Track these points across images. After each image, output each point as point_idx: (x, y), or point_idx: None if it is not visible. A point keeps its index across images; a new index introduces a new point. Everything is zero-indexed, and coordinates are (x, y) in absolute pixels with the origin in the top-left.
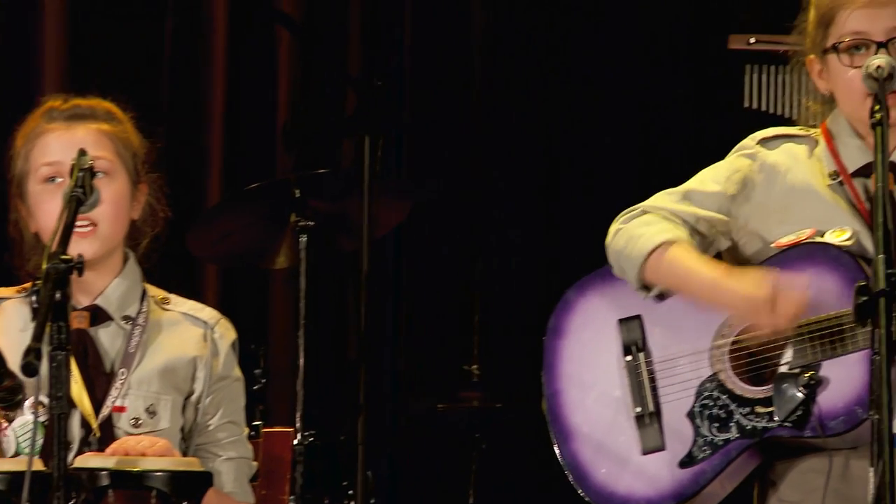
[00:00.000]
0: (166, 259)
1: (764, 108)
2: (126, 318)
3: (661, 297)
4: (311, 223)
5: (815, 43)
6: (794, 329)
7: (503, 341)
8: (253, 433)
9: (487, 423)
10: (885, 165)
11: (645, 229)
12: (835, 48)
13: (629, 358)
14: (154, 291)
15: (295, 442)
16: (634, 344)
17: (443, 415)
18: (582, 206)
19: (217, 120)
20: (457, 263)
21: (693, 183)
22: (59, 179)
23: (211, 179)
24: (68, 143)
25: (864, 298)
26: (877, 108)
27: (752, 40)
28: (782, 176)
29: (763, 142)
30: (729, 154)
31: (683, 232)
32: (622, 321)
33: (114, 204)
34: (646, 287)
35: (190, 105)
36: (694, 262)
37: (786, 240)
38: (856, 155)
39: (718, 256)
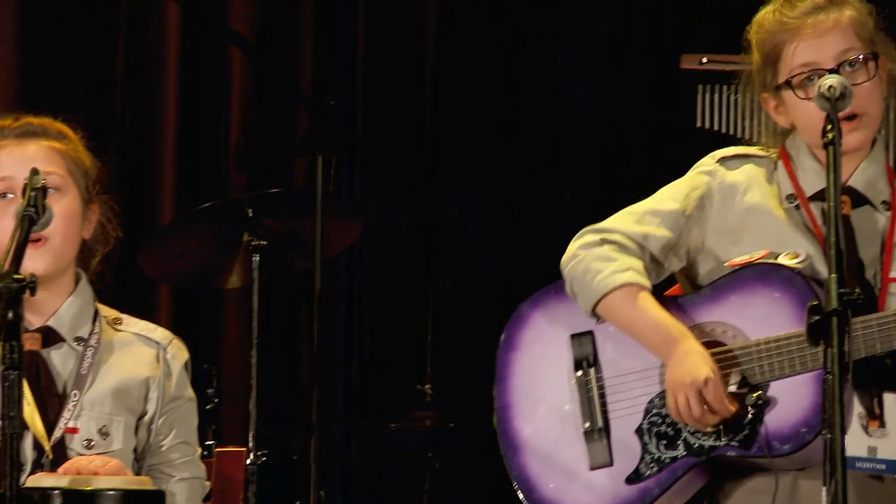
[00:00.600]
0: (119, 279)
1: (716, 127)
2: (78, 340)
3: None
4: (264, 242)
5: (766, 83)
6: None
7: (456, 361)
8: (206, 453)
9: (440, 443)
10: (837, 185)
11: (604, 265)
12: (788, 84)
13: (580, 373)
14: (106, 312)
15: (248, 462)
16: (586, 359)
17: (396, 434)
18: (537, 225)
19: (170, 139)
20: (410, 283)
21: (652, 202)
22: (11, 195)
23: (164, 199)
24: (19, 159)
25: (817, 318)
26: (829, 127)
27: (704, 60)
28: (740, 196)
29: (723, 161)
30: (689, 171)
31: (639, 264)
32: (574, 336)
33: (65, 219)
34: (597, 315)
35: (142, 124)
36: (647, 312)
37: (739, 260)
38: (813, 178)
39: (673, 276)
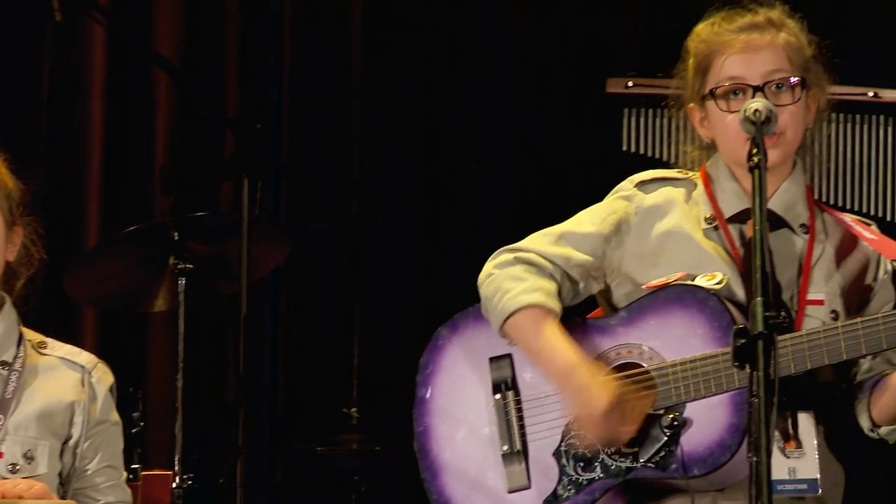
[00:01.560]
0: (44, 302)
1: (642, 151)
2: (3, 364)
3: None
4: (190, 266)
5: (695, 91)
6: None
7: (382, 384)
8: (131, 476)
9: (366, 466)
10: (763, 208)
11: (514, 284)
12: (712, 93)
13: (498, 396)
14: (31, 335)
15: (173, 485)
16: (504, 382)
17: (322, 457)
18: (462, 248)
19: (95, 162)
20: (336, 306)
21: (569, 224)
22: None
23: (89, 222)
24: None
25: (743, 341)
26: (754, 151)
27: (630, 84)
28: (658, 219)
29: (641, 185)
30: (607, 196)
31: (552, 286)
32: (493, 359)
33: None
34: (507, 336)
35: (68, 147)
36: (549, 339)
37: (656, 282)
38: (732, 200)
39: (592, 298)
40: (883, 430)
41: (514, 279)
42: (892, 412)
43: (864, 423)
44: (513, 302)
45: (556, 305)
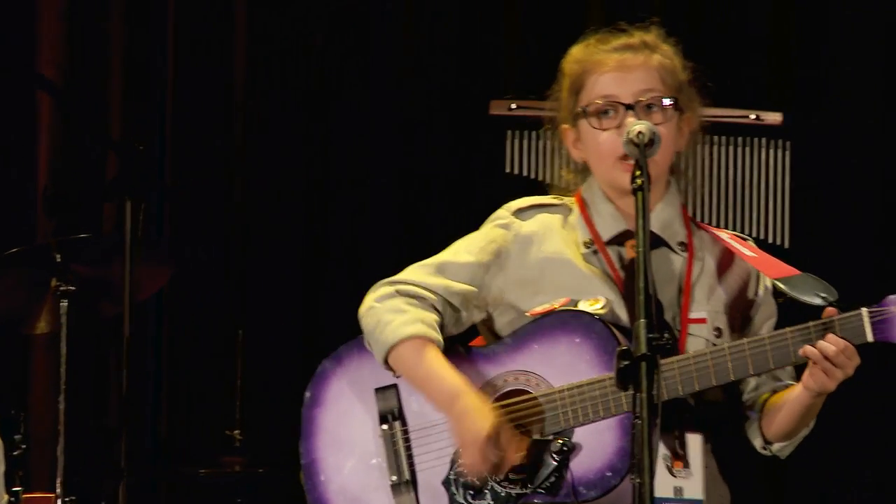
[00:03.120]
0: None
1: (525, 173)
2: None
3: None
4: (73, 288)
5: (568, 110)
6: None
7: (266, 406)
8: (13, 499)
9: (250, 488)
10: (647, 230)
11: (394, 316)
12: (584, 112)
13: (385, 426)
14: None
15: None
16: (391, 412)
17: (205, 479)
18: (344, 272)
19: None
20: (219, 328)
21: (447, 254)
22: None
23: None
24: None
25: (626, 363)
26: (638, 173)
27: (513, 106)
28: (536, 246)
29: (517, 212)
30: (483, 224)
31: (433, 316)
32: (378, 390)
33: None
34: (391, 369)
35: None
36: (432, 367)
37: (540, 308)
38: (610, 223)
39: (474, 327)
40: (775, 447)
41: (394, 311)
42: (784, 429)
43: (757, 441)
44: (394, 334)
45: (437, 336)
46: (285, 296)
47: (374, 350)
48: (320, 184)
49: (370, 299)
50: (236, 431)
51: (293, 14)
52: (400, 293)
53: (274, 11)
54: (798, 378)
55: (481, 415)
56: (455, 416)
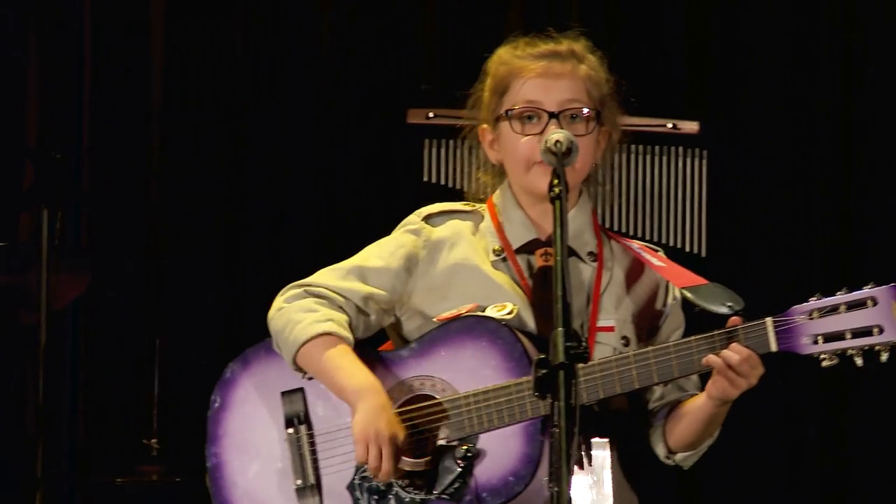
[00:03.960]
0: None
1: (443, 182)
2: None
3: None
4: None
5: (490, 111)
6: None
7: (182, 415)
8: None
9: (166, 497)
10: (564, 238)
11: (304, 315)
12: (507, 114)
13: (291, 430)
14: None
15: None
16: (297, 416)
17: (122, 489)
18: (262, 279)
19: None
20: (136, 337)
21: (358, 259)
22: None
23: None
24: None
25: (545, 371)
26: (556, 182)
27: (431, 115)
28: (446, 252)
29: (428, 218)
30: (395, 230)
31: (343, 317)
32: (285, 394)
33: None
34: (300, 369)
35: None
36: (342, 364)
37: (447, 314)
38: (520, 231)
39: (384, 332)
40: (679, 457)
41: (305, 311)
42: (688, 438)
43: (660, 450)
44: (305, 332)
45: (348, 335)
46: (203, 304)
47: (284, 350)
48: (238, 191)
49: (279, 301)
50: (153, 440)
51: (210, 21)
52: (310, 293)
53: (191, 18)
54: (703, 388)
55: (385, 415)
56: (364, 409)
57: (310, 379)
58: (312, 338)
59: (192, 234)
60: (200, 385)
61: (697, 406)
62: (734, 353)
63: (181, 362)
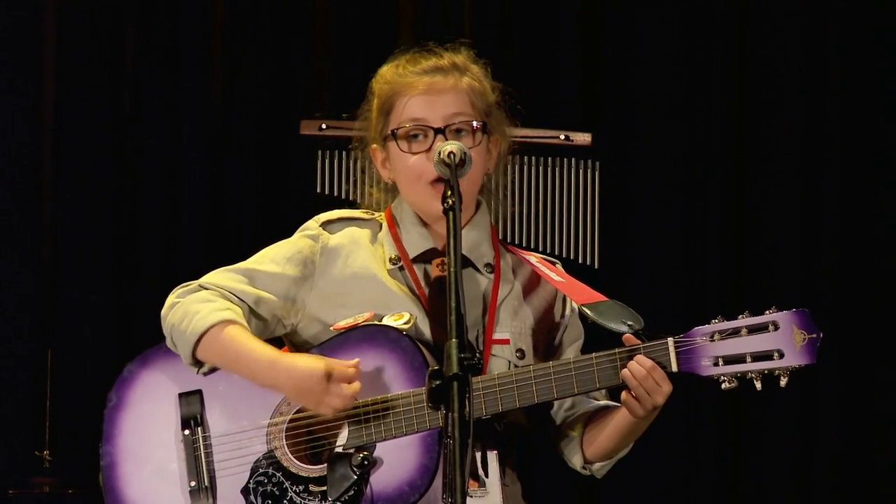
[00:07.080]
0: None
1: (336, 193)
2: None
3: (212, 371)
4: None
5: (377, 131)
6: (348, 410)
7: (75, 426)
8: None
9: None
10: (458, 250)
11: (202, 306)
12: (394, 134)
13: (187, 432)
14: None
15: None
16: (193, 418)
17: (14, 500)
18: (155, 290)
19: None
20: (27, 347)
21: (253, 262)
22: None
23: None
24: None
25: (438, 382)
26: (449, 193)
27: (324, 126)
28: (343, 259)
29: (326, 224)
30: (294, 234)
31: (240, 310)
32: (182, 395)
33: None
34: (197, 363)
35: None
36: (249, 341)
37: (344, 322)
38: (417, 240)
39: (279, 340)
40: (595, 467)
41: (202, 301)
42: (605, 449)
43: (577, 461)
44: (205, 321)
45: (246, 325)
46: (95, 314)
47: (181, 343)
48: (130, 200)
49: (172, 298)
50: (46, 452)
51: (101, 32)
52: (204, 288)
53: (82, 29)
54: (610, 398)
55: (307, 361)
56: (283, 376)
57: (206, 374)
58: (214, 325)
59: (83, 243)
60: (93, 396)
61: (618, 418)
62: (640, 365)
63: (74, 373)
